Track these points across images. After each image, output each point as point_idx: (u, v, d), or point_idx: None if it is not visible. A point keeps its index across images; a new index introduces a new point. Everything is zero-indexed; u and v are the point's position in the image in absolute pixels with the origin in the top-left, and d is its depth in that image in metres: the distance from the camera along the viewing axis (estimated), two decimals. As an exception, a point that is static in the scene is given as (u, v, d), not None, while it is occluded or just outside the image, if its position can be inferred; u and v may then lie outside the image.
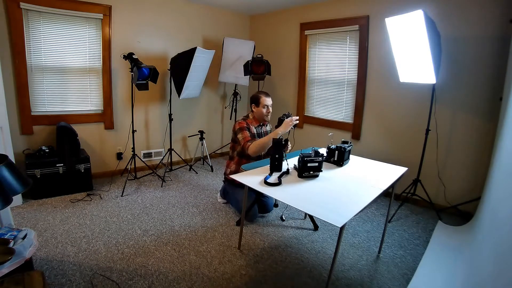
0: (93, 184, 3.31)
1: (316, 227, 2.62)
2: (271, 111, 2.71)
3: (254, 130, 2.70)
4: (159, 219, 2.70)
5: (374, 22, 3.30)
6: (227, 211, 2.89)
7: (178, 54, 3.59)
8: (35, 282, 1.37)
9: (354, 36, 3.55)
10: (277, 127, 2.45)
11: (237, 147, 2.70)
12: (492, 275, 1.39)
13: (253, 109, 2.73)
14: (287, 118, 2.43)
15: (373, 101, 3.46)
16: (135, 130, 3.52)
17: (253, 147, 2.48)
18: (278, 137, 2.24)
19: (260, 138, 2.67)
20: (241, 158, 2.72)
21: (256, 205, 2.70)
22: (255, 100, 2.71)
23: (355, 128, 3.64)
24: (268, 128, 2.90)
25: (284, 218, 2.77)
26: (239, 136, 2.60)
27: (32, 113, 3.12)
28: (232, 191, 2.81)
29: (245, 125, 2.63)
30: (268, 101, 2.68)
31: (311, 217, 2.69)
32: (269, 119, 2.76)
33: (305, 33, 4.03)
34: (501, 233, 1.50)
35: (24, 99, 3.03)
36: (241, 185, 2.64)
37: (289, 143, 2.59)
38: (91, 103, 3.51)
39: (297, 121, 2.44)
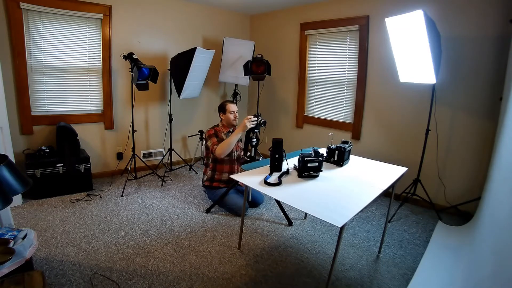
0: (93, 184, 3.31)
1: (290, 223, 2.67)
2: (237, 116, 2.90)
3: (224, 136, 2.82)
4: (159, 219, 2.70)
5: (374, 22, 3.30)
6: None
7: (178, 54, 3.59)
8: (35, 282, 1.37)
9: (354, 36, 3.54)
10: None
11: (211, 154, 2.83)
12: (492, 275, 1.39)
13: (221, 117, 2.91)
14: (257, 120, 2.61)
15: (373, 101, 3.46)
16: (135, 130, 3.52)
17: (219, 149, 2.64)
18: (251, 133, 2.61)
19: None
20: (216, 164, 2.89)
21: (242, 198, 2.83)
22: (222, 109, 2.90)
23: (355, 128, 3.64)
24: None
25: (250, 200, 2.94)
26: (208, 143, 2.77)
27: (32, 113, 3.12)
28: (214, 196, 2.91)
29: (213, 132, 2.79)
30: (234, 107, 2.88)
31: (282, 209, 2.73)
32: (237, 123, 2.89)
33: (305, 33, 4.02)
34: (501, 233, 1.50)
35: (24, 99, 3.04)
36: (216, 188, 2.86)
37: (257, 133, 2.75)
38: (91, 103, 3.51)
39: (255, 121, 2.58)
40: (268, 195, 1.69)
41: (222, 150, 2.62)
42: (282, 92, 4.52)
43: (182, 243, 2.31)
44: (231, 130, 2.90)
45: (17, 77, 2.97)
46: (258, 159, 2.75)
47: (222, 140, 2.74)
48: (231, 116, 2.85)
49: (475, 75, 2.72)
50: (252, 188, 2.81)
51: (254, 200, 2.96)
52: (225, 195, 2.80)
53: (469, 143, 2.81)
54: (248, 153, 2.74)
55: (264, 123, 2.64)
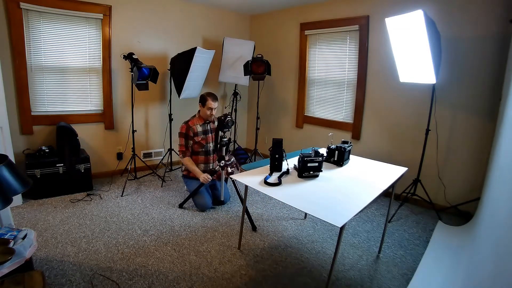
0: (93, 184, 3.31)
1: (254, 228, 2.57)
2: (214, 114, 2.94)
3: (198, 129, 2.92)
4: (159, 219, 2.70)
5: (374, 22, 3.30)
6: (227, 211, 2.89)
7: (178, 54, 3.59)
8: (35, 282, 1.37)
9: (354, 36, 3.54)
10: (217, 127, 2.64)
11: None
12: (492, 275, 1.39)
13: (200, 108, 2.96)
14: (225, 120, 2.57)
15: (373, 101, 3.46)
16: (135, 130, 3.52)
17: (183, 162, 2.95)
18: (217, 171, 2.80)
19: (205, 134, 2.96)
20: (191, 155, 3.00)
21: (209, 196, 2.94)
22: (202, 100, 2.91)
23: (355, 128, 3.64)
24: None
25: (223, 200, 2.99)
26: (178, 140, 2.95)
27: (32, 113, 3.12)
28: (190, 186, 3.04)
29: (184, 131, 2.88)
30: (214, 105, 2.89)
31: (249, 216, 2.62)
32: (213, 119, 3.00)
33: (305, 33, 4.02)
34: (501, 233, 1.50)
35: (24, 99, 3.04)
36: (193, 178, 2.96)
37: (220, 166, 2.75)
38: (91, 103, 3.51)
39: (210, 179, 2.81)
40: (269, 195, 1.68)
41: (185, 165, 2.95)
42: (282, 92, 4.52)
43: (182, 243, 2.31)
44: (207, 122, 2.98)
45: (17, 77, 2.97)
46: (229, 159, 2.77)
47: (195, 134, 2.89)
48: (208, 112, 2.88)
49: (475, 75, 2.72)
50: (220, 187, 2.92)
51: (217, 198, 3.00)
52: (198, 189, 2.86)
53: (469, 143, 2.81)
54: (221, 155, 2.77)
55: (232, 122, 2.67)
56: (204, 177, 2.81)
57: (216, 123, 3.02)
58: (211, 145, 2.99)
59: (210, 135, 3.00)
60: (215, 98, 2.91)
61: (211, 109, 2.88)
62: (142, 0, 3.65)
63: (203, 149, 2.97)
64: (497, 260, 1.40)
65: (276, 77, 4.44)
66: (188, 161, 2.93)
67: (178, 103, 4.03)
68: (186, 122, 2.93)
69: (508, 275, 1.19)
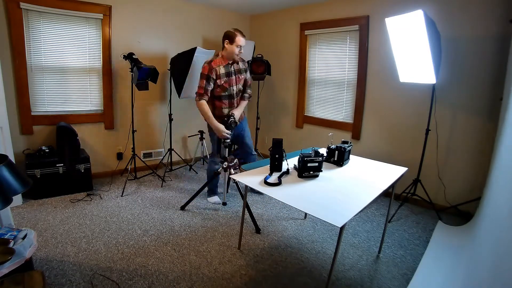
0: (93, 184, 3.31)
1: (258, 230, 2.54)
2: (242, 52, 2.72)
3: (221, 71, 2.68)
4: (159, 219, 2.70)
5: (374, 22, 3.30)
6: (227, 211, 2.89)
7: (178, 54, 3.59)
8: (35, 282, 1.37)
9: (354, 36, 3.54)
10: (223, 124, 2.64)
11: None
12: (492, 275, 1.39)
13: (225, 45, 2.67)
14: (228, 121, 2.64)
15: (373, 101, 3.46)
16: (135, 130, 3.52)
17: (198, 106, 2.71)
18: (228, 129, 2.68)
19: (229, 77, 2.72)
20: (214, 100, 2.80)
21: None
22: (229, 37, 2.64)
23: (355, 128, 3.64)
24: (241, 66, 2.83)
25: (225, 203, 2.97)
26: (199, 81, 2.71)
27: (32, 113, 3.12)
28: (213, 139, 2.89)
29: (206, 72, 2.65)
30: (243, 41, 2.65)
31: (253, 219, 2.59)
32: (239, 58, 2.77)
33: (305, 33, 4.02)
34: (501, 233, 1.50)
35: (24, 99, 3.04)
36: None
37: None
38: (91, 103, 3.51)
39: (228, 139, 2.70)
40: (268, 195, 1.68)
41: (199, 109, 2.72)
42: (282, 92, 4.52)
43: (182, 243, 2.31)
44: (230, 63, 2.73)
45: (17, 77, 2.97)
46: (232, 160, 2.74)
47: (218, 76, 2.66)
48: (237, 50, 2.64)
49: (475, 75, 2.72)
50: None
51: (223, 201, 2.96)
52: (219, 149, 2.75)
53: (469, 143, 2.81)
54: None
55: (235, 124, 2.66)
56: (223, 134, 2.65)
57: (240, 64, 2.81)
58: (234, 88, 2.77)
59: (233, 77, 2.75)
60: (243, 34, 2.66)
61: (240, 46, 2.64)
62: (142, 0, 3.65)
63: (226, 93, 2.74)
64: (497, 260, 1.40)
65: (276, 77, 4.44)
66: (204, 105, 2.67)
67: (178, 103, 4.03)
68: (209, 63, 2.66)
69: (508, 275, 1.19)
